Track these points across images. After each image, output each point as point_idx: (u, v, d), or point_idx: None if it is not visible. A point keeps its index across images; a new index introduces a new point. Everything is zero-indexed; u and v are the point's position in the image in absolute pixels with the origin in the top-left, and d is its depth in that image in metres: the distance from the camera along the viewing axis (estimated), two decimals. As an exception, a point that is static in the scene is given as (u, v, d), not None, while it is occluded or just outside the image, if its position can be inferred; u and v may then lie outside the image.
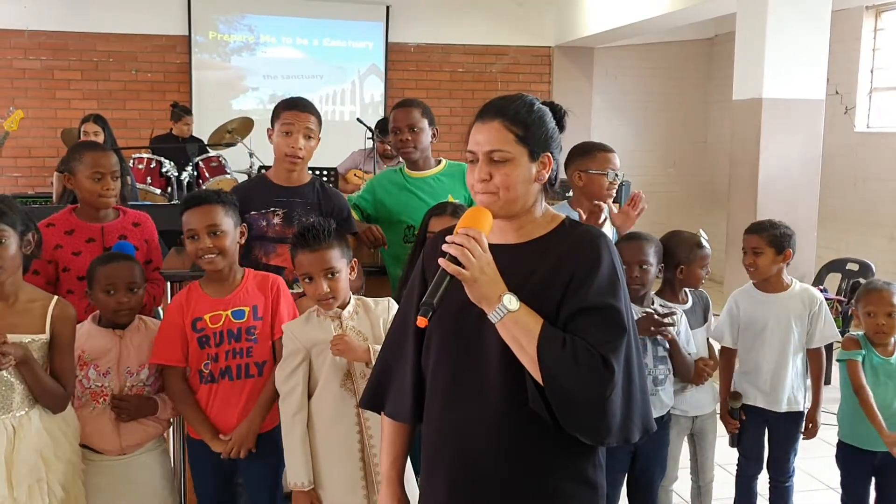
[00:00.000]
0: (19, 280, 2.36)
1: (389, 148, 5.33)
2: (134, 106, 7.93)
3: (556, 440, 1.66)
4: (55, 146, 7.11)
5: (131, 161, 6.05)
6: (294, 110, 3.03)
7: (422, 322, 1.58)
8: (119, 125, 6.42)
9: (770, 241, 3.09)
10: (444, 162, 3.43)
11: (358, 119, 6.02)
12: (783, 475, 3.18)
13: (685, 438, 3.13)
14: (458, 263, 1.58)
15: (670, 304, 2.99)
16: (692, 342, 2.98)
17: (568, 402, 1.60)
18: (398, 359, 1.86)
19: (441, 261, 1.60)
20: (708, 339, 3.17)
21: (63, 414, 2.43)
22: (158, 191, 6.17)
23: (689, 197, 9.30)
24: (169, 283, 3.20)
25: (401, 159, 3.51)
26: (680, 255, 3.01)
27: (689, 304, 3.07)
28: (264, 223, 3.03)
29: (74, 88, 7.83)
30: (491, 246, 1.68)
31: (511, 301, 1.61)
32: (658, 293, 3.06)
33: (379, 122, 6.00)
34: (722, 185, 8.18)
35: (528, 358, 1.61)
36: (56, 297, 2.42)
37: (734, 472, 3.27)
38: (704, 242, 3.07)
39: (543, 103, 1.77)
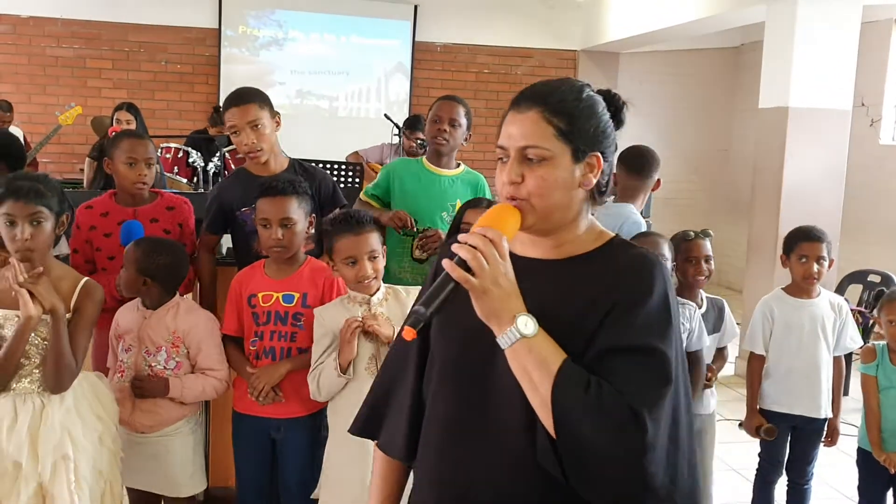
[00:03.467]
0: (50, 258, 2.41)
1: (415, 145, 5.39)
2: (163, 97, 8.03)
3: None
4: (85, 133, 7.20)
5: (159, 150, 6.13)
6: (232, 108, 2.96)
7: (409, 334, 1.28)
8: (148, 115, 6.50)
9: (828, 249, 3.13)
10: (462, 167, 3.43)
11: (385, 115, 6.09)
12: (803, 478, 3.21)
13: None
14: (469, 269, 1.28)
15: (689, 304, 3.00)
16: (705, 337, 3.00)
17: (583, 461, 1.28)
18: (399, 379, 1.57)
19: (446, 262, 1.29)
20: (725, 347, 3.17)
21: (99, 396, 2.48)
22: (185, 180, 6.25)
23: (711, 205, 9.29)
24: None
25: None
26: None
27: (704, 308, 3.08)
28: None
29: (105, 77, 7.93)
30: (519, 258, 1.40)
31: (527, 324, 1.29)
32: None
33: (407, 119, 6.06)
34: (744, 194, 8.17)
35: (539, 399, 1.29)
36: (86, 278, 2.47)
37: (749, 477, 3.29)
38: (692, 234, 3.09)
39: (599, 91, 1.46)
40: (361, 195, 3.52)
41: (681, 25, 7.04)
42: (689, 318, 2.97)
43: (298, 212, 2.64)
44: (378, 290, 2.58)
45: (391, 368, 1.60)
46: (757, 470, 3.28)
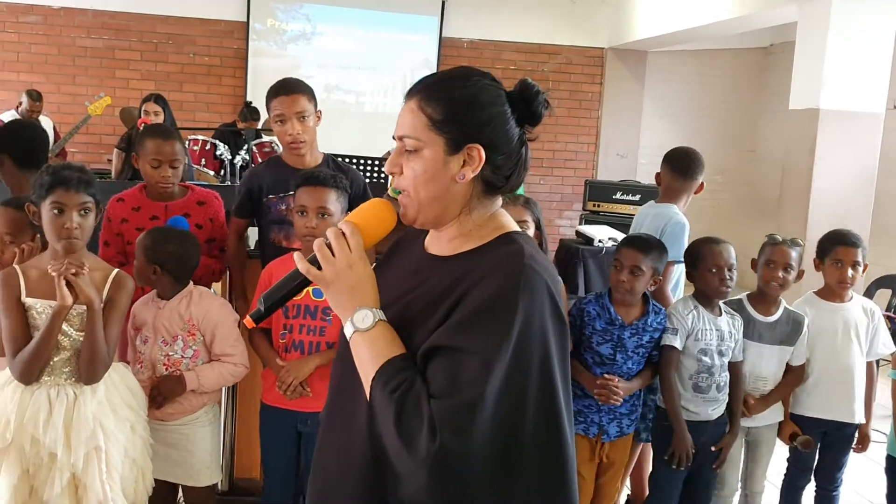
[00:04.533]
0: (84, 251, 2.42)
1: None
2: (190, 88, 8.07)
3: None
4: (113, 124, 7.26)
5: (187, 142, 6.17)
6: (281, 96, 3.00)
7: (248, 323, 1.34)
8: (175, 107, 6.53)
9: (863, 255, 3.10)
10: None
11: (411, 111, 6.06)
12: (832, 484, 3.17)
13: (742, 447, 3.12)
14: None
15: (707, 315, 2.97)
16: (739, 346, 2.98)
17: (391, 461, 1.25)
18: None
19: (295, 255, 1.34)
20: (802, 365, 3.09)
21: (129, 385, 2.50)
22: (212, 172, 6.29)
23: (736, 206, 9.22)
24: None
25: None
26: (689, 260, 3.03)
27: (774, 318, 3.04)
28: (283, 207, 3.06)
29: (133, 69, 7.99)
30: (424, 255, 1.41)
31: (366, 317, 1.28)
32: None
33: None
34: (770, 196, 8.10)
35: (367, 393, 1.28)
36: (117, 269, 2.49)
37: (777, 483, 3.27)
38: (778, 239, 3.04)
39: (521, 82, 1.38)
40: (389, 191, 3.52)
41: (710, 25, 6.98)
42: (738, 329, 2.97)
43: (336, 205, 2.66)
44: None
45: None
46: (785, 475, 3.25)
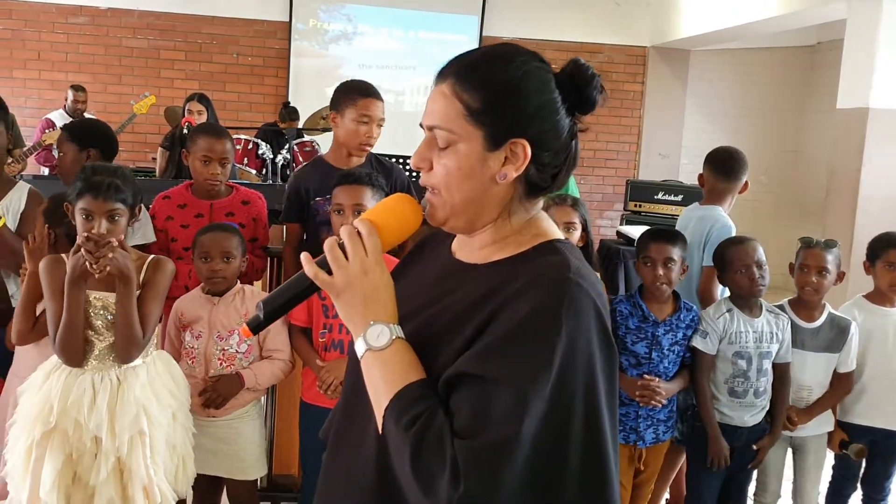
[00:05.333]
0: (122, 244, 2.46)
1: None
2: (233, 88, 8.17)
3: None
4: (157, 123, 7.38)
5: (230, 141, 6.24)
6: (371, 98, 3.03)
7: (245, 332, 1.19)
8: (219, 107, 6.61)
9: None
10: None
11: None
12: (879, 493, 3.11)
13: (789, 455, 3.06)
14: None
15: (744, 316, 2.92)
16: (786, 347, 2.92)
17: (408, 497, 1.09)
18: None
19: (303, 256, 1.16)
20: (850, 372, 3.00)
21: (172, 373, 2.53)
22: (254, 171, 6.36)
23: (780, 207, 9.06)
24: (269, 259, 3.32)
25: None
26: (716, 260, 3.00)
27: (817, 324, 2.97)
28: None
29: (178, 69, 8.11)
30: (454, 262, 1.24)
31: (381, 334, 1.12)
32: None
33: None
34: (814, 197, 7.95)
35: (380, 419, 1.12)
36: (153, 255, 2.51)
37: (823, 490, 3.20)
38: (813, 241, 2.99)
39: (571, 62, 1.18)
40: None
41: (756, 23, 6.87)
42: (782, 329, 2.91)
43: (372, 202, 2.67)
44: None
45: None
46: (830, 483, 3.19)
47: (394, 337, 1.12)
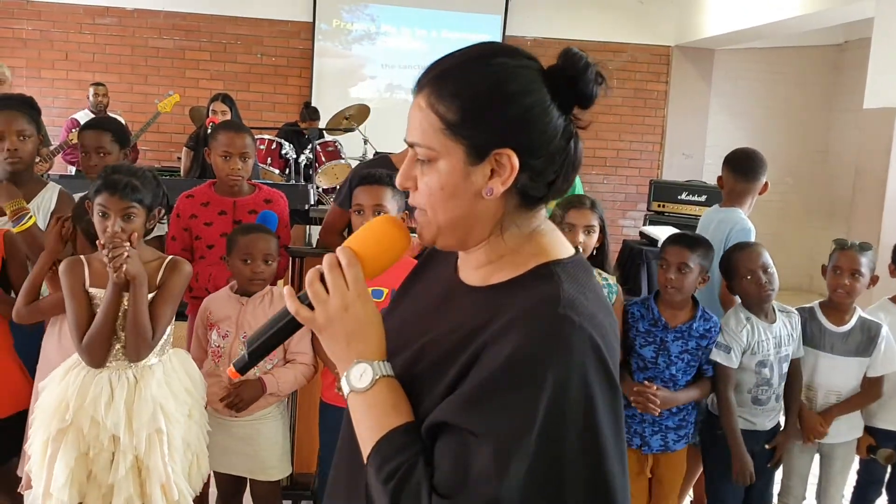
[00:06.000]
0: (141, 245, 2.46)
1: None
2: (257, 88, 8.22)
3: None
4: (182, 123, 7.45)
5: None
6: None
7: (233, 374, 1.14)
8: (242, 106, 6.66)
9: None
10: None
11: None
12: (906, 498, 3.07)
13: (815, 458, 3.03)
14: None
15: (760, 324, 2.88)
16: (798, 343, 2.90)
17: None
18: None
19: (286, 290, 1.09)
20: (880, 377, 2.93)
21: (189, 372, 2.55)
22: (277, 171, 6.40)
23: (806, 209, 8.97)
24: (290, 259, 3.33)
25: None
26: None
27: (847, 327, 2.93)
28: None
29: (203, 69, 8.17)
30: (457, 284, 1.14)
31: (364, 374, 1.04)
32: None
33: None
34: (841, 198, 7.87)
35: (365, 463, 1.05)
36: (171, 256, 2.53)
37: (847, 495, 3.17)
38: (847, 243, 2.94)
39: (564, 54, 1.07)
40: None
41: (782, 22, 6.81)
42: (795, 327, 2.90)
43: (392, 203, 2.68)
44: None
45: None
46: (855, 487, 3.15)
47: (377, 377, 1.05)
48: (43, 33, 8.00)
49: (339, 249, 1.08)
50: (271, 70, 8.25)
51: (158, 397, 2.39)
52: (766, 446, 2.88)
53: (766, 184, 3.31)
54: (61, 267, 2.42)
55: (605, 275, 2.91)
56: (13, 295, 2.69)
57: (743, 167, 3.29)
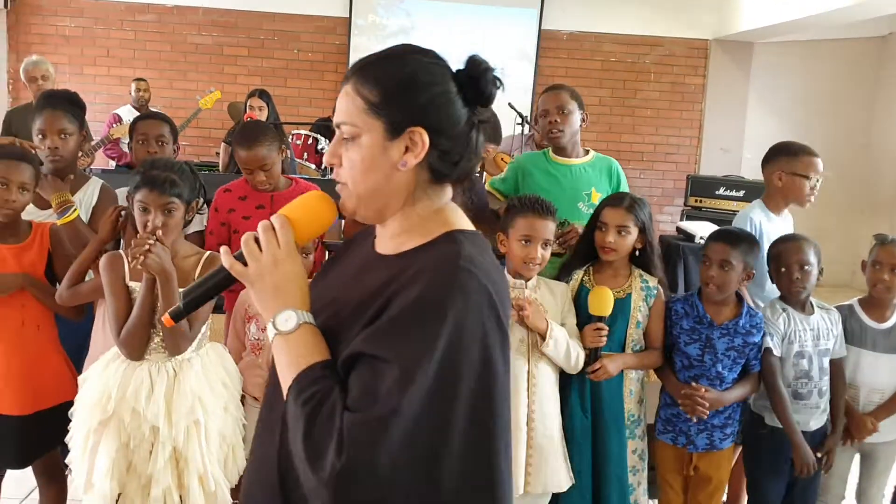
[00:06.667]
0: (179, 239, 2.52)
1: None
2: (294, 84, 8.27)
3: None
4: (221, 119, 7.53)
5: (290, 136, 6.34)
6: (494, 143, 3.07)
7: (167, 321, 1.26)
8: (279, 102, 6.72)
9: None
10: (592, 153, 3.34)
11: (509, 104, 6.05)
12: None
13: (856, 458, 2.99)
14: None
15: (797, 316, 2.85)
16: (839, 341, 2.86)
17: (300, 475, 1.14)
18: None
19: (223, 249, 1.26)
20: None
21: (225, 365, 2.58)
22: (313, 166, 6.44)
23: (848, 201, 8.81)
24: (326, 252, 3.37)
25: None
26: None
27: (891, 323, 2.89)
28: None
29: (241, 64, 8.25)
30: (372, 255, 1.30)
31: (288, 319, 1.19)
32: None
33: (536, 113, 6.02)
34: (886, 192, 7.72)
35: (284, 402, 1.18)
36: (209, 252, 2.57)
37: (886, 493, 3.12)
38: (888, 238, 2.90)
39: (470, 59, 1.27)
40: (487, 185, 3.52)
41: (824, 14, 6.69)
42: (835, 324, 2.87)
43: None
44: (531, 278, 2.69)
45: None
46: (894, 494, 3.11)
47: (301, 322, 1.20)
48: (85, 30, 8.14)
49: (274, 216, 1.24)
50: (308, 66, 8.30)
51: (197, 390, 2.43)
52: (818, 455, 2.84)
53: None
54: (101, 262, 2.47)
55: (645, 276, 2.84)
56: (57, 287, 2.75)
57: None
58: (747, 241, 2.80)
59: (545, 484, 2.61)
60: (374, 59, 1.26)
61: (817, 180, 3.05)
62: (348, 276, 1.31)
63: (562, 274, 2.91)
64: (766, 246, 2.96)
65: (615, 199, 2.86)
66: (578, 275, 2.85)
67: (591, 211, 3.15)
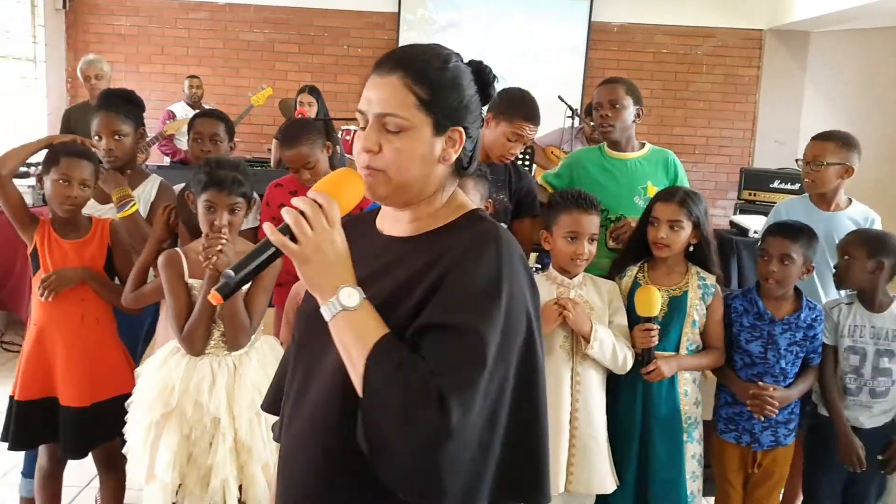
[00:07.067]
0: (236, 235, 2.55)
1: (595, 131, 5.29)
2: (344, 80, 8.33)
3: (383, 490, 1.23)
4: (272, 115, 7.62)
5: (339, 132, 6.39)
6: (532, 123, 3.04)
7: (216, 299, 1.22)
8: (329, 98, 6.77)
9: None
10: (648, 146, 3.29)
11: (559, 97, 6.01)
12: None
13: None
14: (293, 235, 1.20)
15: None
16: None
17: (383, 441, 1.19)
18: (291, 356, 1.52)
19: (266, 226, 1.22)
20: None
21: (279, 357, 2.61)
22: (363, 161, 6.49)
23: (909, 196, 8.58)
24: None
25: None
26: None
27: None
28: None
29: (291, 61, 8.34)
30: (381, 237, 1.39)
31: (351, 296, 1.22)
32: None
33: (587, 105, 5.98)
34: (948, 185, 7.48)
35: (356, 374, 1.22)
36: None
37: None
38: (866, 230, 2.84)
39: (469, 63, 1.38)
40: (539, 179, 3.50)
41: (884, 0, 6.50)
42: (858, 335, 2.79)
43: (474, 192, 2.68)
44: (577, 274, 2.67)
45: (291, 345, 1.54)
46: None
47: (363, 297, 1.23)
48: (140, 28, 8.31)
49: (316, 194, 1.24)
50: (357, 61, 8.35)
51: (256, 382, 2.47)
52: (880, 457, 2.77)
53: (852, 168, 3.16)
54: (160, 260, 2.52)
55: (702, 273, 2.76)
56: (117, 281, 2.82)
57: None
58: (807, 234, 2.74)
59: (588, 484, 2.58)
60: (419, 56, 1.32)
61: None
62: (365, 260, 1.32)
63: (614, 271, 2.86)
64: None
65: (667, 194, 2.79)
66: (632, 272, 2.80)
67: None
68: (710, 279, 2.75)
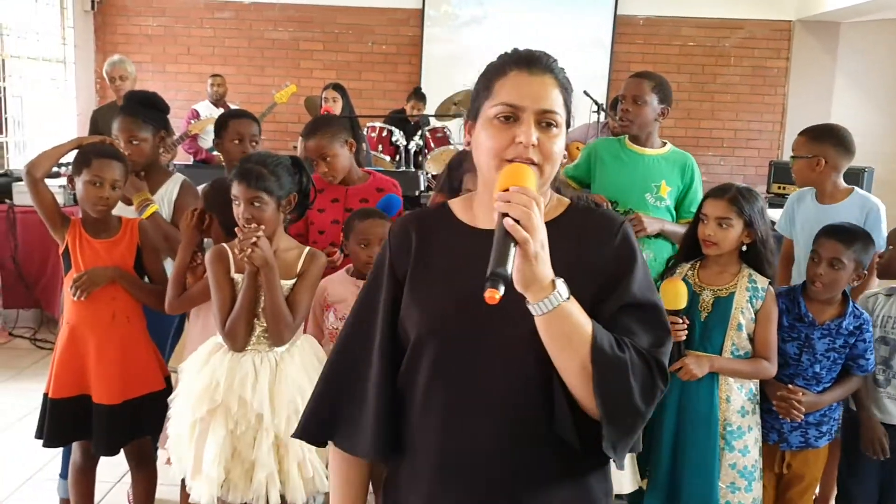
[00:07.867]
0: (279, 232, 2.57)
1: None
2: (368, 77, 8.36)
3: (577, 468, 1.39)
4: (297, 112, 7.66)
5: (365, 129, 6.41)
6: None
7: (492, 297, 1.15)
8: (354, 95, 6.78)
9: None
10: (669, 146, 3.24)
11: (584, 92, 5.97)
12: None
13: None
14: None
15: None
16: None
17: (620, 416, 1.29)
18: (357, 374, 1.47)
19: (508, 222, 1.19)
20: None
21: (318, 355, 2.61)
22: (388, 158, 6.50)
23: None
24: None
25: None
26: None
27: None
28: None
29: (316, 59, 8.38)
30: (482, 234, 1.38)
31: (562, 286, 1.24)
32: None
33: (613, 99, 5.95)
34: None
35: (575, 364, 1.27)
36: (309, 247, 2.62)
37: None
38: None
39: None
40: (561, 174, 3.47)
41: (915, -10, 6.40)
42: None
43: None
44: None
45: (344, 362, 1.51)
46: None
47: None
48: (167, 29, 8.38)
49: (527, 190, 1.23)
50: (382, 58, 8.37)
51: (297, 379, 2.49)
52: None
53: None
54: (207, 256, 2.55)
55: (754, 275, 2.64)
56: (146, 280, 2.85)
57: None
58: (862, 238, 2.65)
59: None
60: (552, 60, 1.42)
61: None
62: (470, 258, 1.34)
63: (666, 271, 2.81)
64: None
65: (718, 190, 2.69)
66: (683, 269, 2.74)
67: (659, 203, 3.11)
68: (762, 282, 2.63)
